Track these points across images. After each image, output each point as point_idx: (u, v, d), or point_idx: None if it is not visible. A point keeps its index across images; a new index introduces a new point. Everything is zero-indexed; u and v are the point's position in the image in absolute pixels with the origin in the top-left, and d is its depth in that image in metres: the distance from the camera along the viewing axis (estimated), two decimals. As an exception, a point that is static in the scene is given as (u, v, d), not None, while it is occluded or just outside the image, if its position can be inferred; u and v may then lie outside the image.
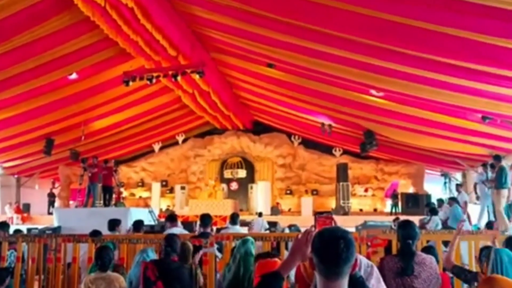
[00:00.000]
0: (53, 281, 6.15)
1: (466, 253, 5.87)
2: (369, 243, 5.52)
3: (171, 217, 7.89)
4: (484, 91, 11.12)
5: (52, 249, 6.16)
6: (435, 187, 21.14)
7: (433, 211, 12.20)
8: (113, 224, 7.65)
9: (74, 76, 15.98)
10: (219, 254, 5.88)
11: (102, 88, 17.49)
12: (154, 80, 15.61)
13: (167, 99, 20.64)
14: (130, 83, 15.49)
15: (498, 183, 11.64)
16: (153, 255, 5.45)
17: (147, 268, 4.61)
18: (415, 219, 12.80)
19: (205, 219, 7.36)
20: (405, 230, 4.25)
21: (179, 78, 15.45)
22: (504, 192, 11.49)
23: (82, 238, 6.26)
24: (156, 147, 26.59)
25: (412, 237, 4.18)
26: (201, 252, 5.39)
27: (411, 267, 3.94)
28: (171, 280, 4.51)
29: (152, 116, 22.05)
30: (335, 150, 24.53)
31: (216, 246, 5.94)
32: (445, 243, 7.02)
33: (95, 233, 6.47)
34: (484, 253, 4.44)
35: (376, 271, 3.74)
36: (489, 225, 10.37)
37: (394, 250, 5.16)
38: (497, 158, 12.31)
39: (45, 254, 6.40)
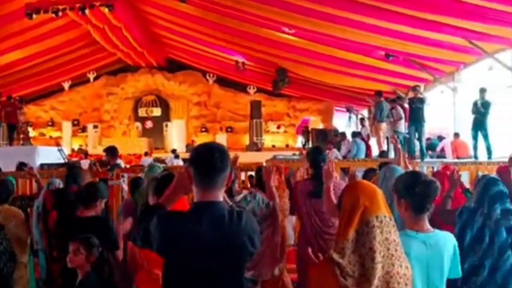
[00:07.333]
0: None
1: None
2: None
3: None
4: (388, 29, 11.70)
5: None
6: (343, 122, 22.13)
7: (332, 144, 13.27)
8: (21, 167, 7.52)
9: (-29, 7, 14.93)
10: (125, 187, 5.95)
11: (4, 21, 16.39)
12: (60, 13, 14.97)
13: (76, 34, 19.79)
14: (34, 16, 14.75)
15: (375, 117, 12.39)
16: (60, 185, 5.48)
17: (45, 197, 4.66)
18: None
19: (111, 150, 7.18)
20: (316, 155, 4.64)
21: (87, 11, 14.90)
22: (381, 125, 12.20)
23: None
24: (66, 85, 25.55)
25: (323, 160, 4.53)
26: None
27: (321, 189, 4.09)
28: (66, 209, 4.47)
29: (60, 52, 21.04)
30: (249, 88, 24.85)
31: (123, 178, 6.02)
32: (343, 169, 7.73)
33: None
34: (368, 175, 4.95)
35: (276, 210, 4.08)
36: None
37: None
38: (378, 94, 12.99)
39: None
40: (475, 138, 10.75)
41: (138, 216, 2.64)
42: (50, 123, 26.12)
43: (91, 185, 4.33)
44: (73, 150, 23.16)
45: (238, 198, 4.09)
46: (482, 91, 10.65)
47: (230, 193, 4.03)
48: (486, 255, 3.35)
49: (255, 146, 21.60)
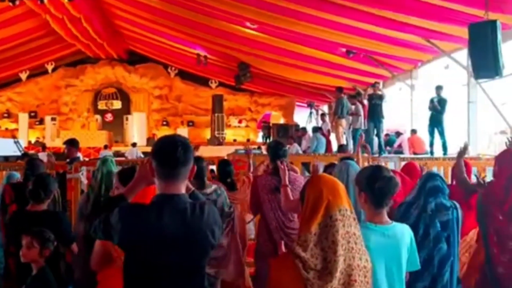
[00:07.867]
0: None
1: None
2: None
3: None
4: (350, 26, 11.85)
5: None
6: (304, 117, 22.33)
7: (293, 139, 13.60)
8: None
9: None
10: (84, 180, 5.86)
11: (-43, 8, 15.87)
12: (17, 2, 14.49)
13: (34, 24, 19.23)
14: (-10, 4, 14.28)
15: (336, 112, 12.56)
16: (19, 178, 5.37)
17: (5, 190, 4.57)
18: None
19: (72, 143, 6.98)
20: (277, 150, 4.57)
21: (46, 1, 14.50)
22: (341, 121, 12.39)
23: None
24: (23, 75, 24.87)
25: (283, 155, 4.54)
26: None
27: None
28: (25, 203, 4.27)
29: (17, 42, 20.41)
30: (211, 82, 24.91)
31: (82, 172, 5.93)
32: (304, 164, 7.84)
33: None
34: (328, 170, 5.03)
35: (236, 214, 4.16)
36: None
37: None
38: (339, 90, 13.13)
39: None
40: (431, 134, 11.00)
41: (92, 209, 2.58)
42: (6, 115, 25.48)
43: (38, 178, 4.16)
44: (30, 142, 22.61)
45: (208, 190, 4.08)
46: (439, 88, 10.92)
47: (202, 185, 4.02)
48: (421, 246, 3.49)
49: (216, 140, 21.62)
